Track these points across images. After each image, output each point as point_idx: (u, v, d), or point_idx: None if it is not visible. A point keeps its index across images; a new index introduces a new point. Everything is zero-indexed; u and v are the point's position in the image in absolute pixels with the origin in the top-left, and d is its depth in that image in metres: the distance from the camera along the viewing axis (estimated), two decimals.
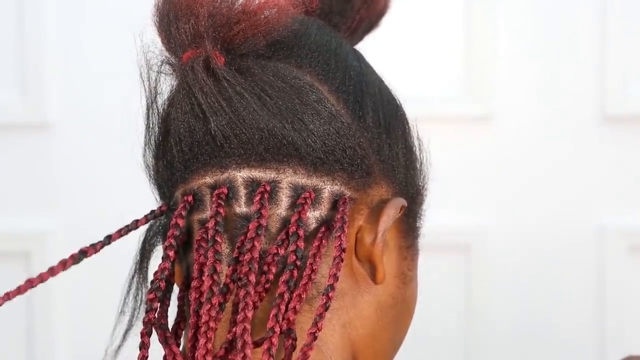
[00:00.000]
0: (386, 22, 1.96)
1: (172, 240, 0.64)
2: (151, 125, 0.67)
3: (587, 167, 1.74)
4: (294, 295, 0.60)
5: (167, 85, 0.66)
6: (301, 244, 0.62)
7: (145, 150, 0.68)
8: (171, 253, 0.63)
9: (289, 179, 0.62)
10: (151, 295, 0.63)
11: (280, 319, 0.59)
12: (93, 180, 1.75)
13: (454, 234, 1.76)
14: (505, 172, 1.75)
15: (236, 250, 0.61)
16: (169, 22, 0.63)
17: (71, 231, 1.75)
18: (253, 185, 0.62)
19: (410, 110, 0.72)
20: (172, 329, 0.65)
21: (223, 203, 0.62)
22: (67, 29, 1.75)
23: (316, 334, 0.59)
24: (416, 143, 0.70)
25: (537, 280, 1.75)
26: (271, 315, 0.60)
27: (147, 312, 0.63)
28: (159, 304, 0.63)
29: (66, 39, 1.75)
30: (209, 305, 0.59)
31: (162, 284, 0.63)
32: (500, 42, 1.74)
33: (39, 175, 1.76)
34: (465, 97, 1.74)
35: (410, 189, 0.68)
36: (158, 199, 0.69)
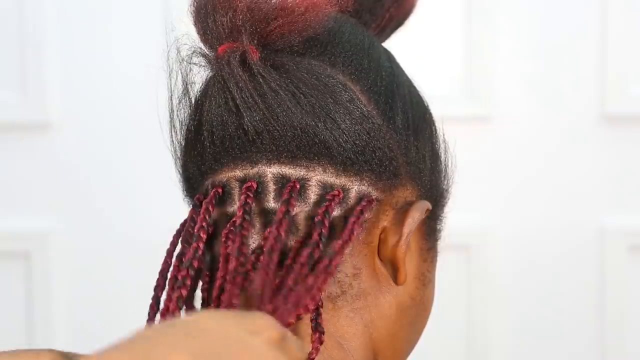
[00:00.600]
0: None
1: (204, 223, 0.63)
2: (182, 117, 0.67)
3: (587, 167, 1.74)
4: (315, 287, 0.60)
5: (198, 76, 0.66)
6: (326, 240, 0.62)
7: (174, 141, 0.68)
8: (203, 235, 0.63)
9: (318, 177, 0.63)
10: (183, 273, 0.62)
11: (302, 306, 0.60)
12: (93, 180, 1.75)
13: (454, 234, 1.76)
14: (505, 172, 1.75)
15: (262, 241, 0.62)
16: (207, 14, 0.63)
17: (71, 231, 1.75)
18: (282, 181, 0.63)
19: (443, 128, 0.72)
20: None
21: (252, 196, 0.63)
22: (67, 29, 1.75)
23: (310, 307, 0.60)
24: (442, 146, 0.71)
25: (537, 280, 1.75)
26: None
27: (178, 288, 0.62)
28: (190, 283, 0.63)
29: (66, 39, 1.75)
30: (231, 285, 0.59)
31: (196, 263, 0.63)
32: (500, 42, 1.74)
33: (39, 176, 1.76)
34: (465, 97, 1.74)
35: (434, 191, 0.69)
36: (183, 189, 0.69)
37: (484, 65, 1.74)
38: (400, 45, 1.78)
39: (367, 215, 0.63)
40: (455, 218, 1.73)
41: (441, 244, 1.93)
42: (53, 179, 1.76)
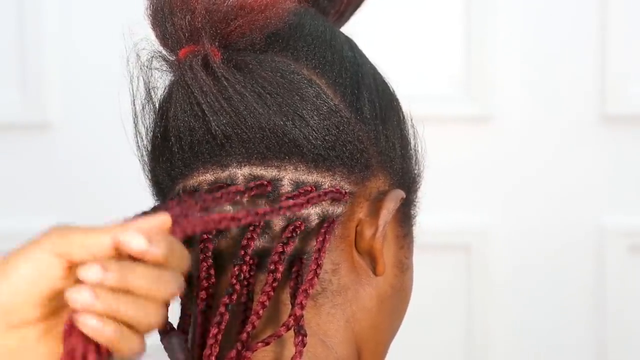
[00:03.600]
0: (387, 21, 1.95)
1: None
2: (147, 123, 0.66)
3: (587, 167, 1.74)
4: (300, 290, 0.60)
5: (160, 80, 0.65)
6: (305, 240, 0.62)
7: (140, 146, 0.67)
8: None
9: (290, 175, 0.62)
10: None
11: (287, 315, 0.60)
12: (93, 180, 1.75)
13: (454, 234, 1.76)
14: (505, 172, 1.75)
15: (241, 250, 0.61)
16: (164, 17, 0.63)
17: None
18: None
19: (410, 110, 0.72)
20: (177, 325, 0.65)
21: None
22: (67, 29, 1.75)
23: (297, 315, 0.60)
24: (411, 131, 0.69)
25: (537, 280, 1.75)
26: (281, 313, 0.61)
27: None
28: None
29: (66, 39, 1.75)
30: (219, 317, 0.59)
31: None
32: (500, 42, 1.74)
33: (39, 176, 1.76)
34: (465, 97, 1.74)
35: (406, 178, 0.68)
36: (153, 194, 0.69)
37: (484, 65, 1.74)
38: (401, 45, 1.79)
39: (332, 205, 0.63)
40: (455, 218, 1.74)
41: (441, 244, 1.92)
42: (53, 179, 1.76)
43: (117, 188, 1.74)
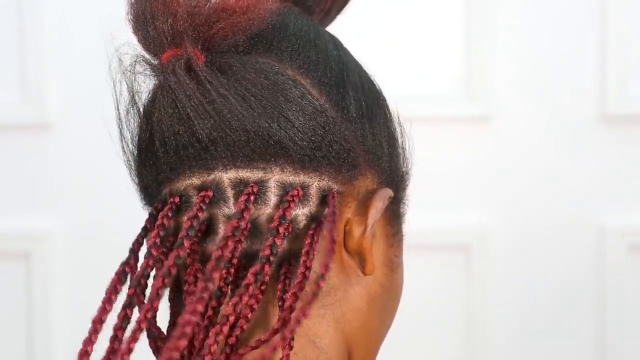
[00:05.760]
0: (387, 22, 1.95)
1: (156, 239, 0.62)
2: (132, 127, 0.66)
3: (587, 167, 1.74)
4: (290, 293, 0.60)
5: (144, 84, 0.65)
6: (293, 241, 0.62)
7: (126, 151, 0.67)
8: (155, 252, 0.62)
9: (276, 177, 0.62)
10: (130, 291, 0.61)
11: (276, 319, 0.59)
12: (93, 180, 1.75)
13: (454, 234, 1.76)
14: (505, 172, 1.75)
15: (228, 253, 0.60)
16: (146, 21, 0.62)
17: (71, 231, 1.75)
18: (240, 186, 0.62)
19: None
20: (166, 332, 0.64)
21: (206, 206, 0.62)
22: (67, 29, 1.75)
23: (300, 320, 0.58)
24: (398, 128, 0.69)
25: (537, 280, 1.75)
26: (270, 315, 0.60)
27: (125, 307, 0.61)
28: (138, 298, 0.61)
29: (66, 39, 1.75)
30: (207, 321, 0.59)
31: (144, 281, 0.62)
32: (500, 43, 1.74)
33: (39, 175, 1.76)
34: (465, 97, 1.74)
35: (394, 176, 0.68)
36: (141, 198, 0.67)
37: (484, 65, 1.74)
38: (401, 45, 1.79)
39: (337, 211, 0.62)
40: (455, 218, 1.74)
41: (441, 244, 1.91)
42: (53, 179, 1.76)
43: (117, 188, 1.74)
